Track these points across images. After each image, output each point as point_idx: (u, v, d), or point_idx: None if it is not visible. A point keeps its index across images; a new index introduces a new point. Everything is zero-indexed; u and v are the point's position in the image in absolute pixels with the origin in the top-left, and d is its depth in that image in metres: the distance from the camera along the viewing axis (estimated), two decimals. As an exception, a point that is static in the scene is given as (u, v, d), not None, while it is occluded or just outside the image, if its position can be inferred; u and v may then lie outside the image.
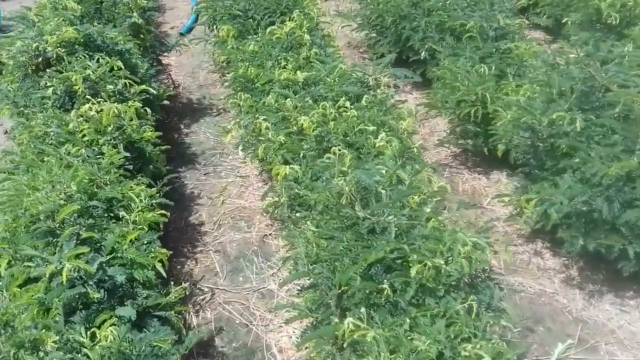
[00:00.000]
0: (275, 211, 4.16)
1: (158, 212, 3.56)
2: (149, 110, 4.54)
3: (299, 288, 3.36)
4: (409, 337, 2.77)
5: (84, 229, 3.08)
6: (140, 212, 3.39)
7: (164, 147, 4.32)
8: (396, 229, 2.92)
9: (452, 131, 5.47)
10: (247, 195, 4.94)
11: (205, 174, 5.23)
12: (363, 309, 2.81)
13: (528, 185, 4.33)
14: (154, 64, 5.97)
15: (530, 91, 4.55)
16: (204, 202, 4.88)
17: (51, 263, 2.84)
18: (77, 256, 2.88)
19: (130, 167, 3.91)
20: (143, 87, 4.56)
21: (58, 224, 3.05)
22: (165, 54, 6.31)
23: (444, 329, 2.82)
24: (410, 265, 2.92)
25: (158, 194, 3.84)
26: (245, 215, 4.71)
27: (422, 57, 6.03)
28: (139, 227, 3.30)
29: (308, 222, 3.45)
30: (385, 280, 2.93)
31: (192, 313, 3.79)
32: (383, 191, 3.19)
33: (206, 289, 4.03)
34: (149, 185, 3.89)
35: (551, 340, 3.65)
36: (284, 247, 4.28)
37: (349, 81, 4.52)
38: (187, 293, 3.70)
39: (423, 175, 3.68)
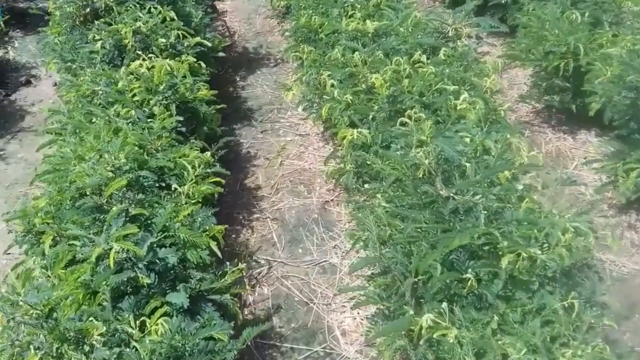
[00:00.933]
0: (340, 179, 3.79)
1: (213, 181, 3.24)
2: (203, 64, 4.17)
3: (367, 267, 3.02)
4: (497, 340, 2.39)
5: (133, 205, 2.77)
6: (194, 184, 3.06)
7: (219, 107, 3.96)
8: (485, 211, 2.50)
9: (535, 85, 4.94)
10: (307, 156, 4.58)
11: (262, 132, 4.88)
12: (444, 304, 2.44)
13: (625, 150, 3.82)
14: (209, 10, 5.58)
15: (632, 43, 3.98)
16: (261, 163, 4.54)
17: (98, 245, 2.55)
18: (126, 236, 2.58)
19: (183, 129, 3.57)
20: (197, 39, 4.18)
21: (106, 200, 2.76)
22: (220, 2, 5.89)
23: (538, 330, 2.43)
24: (500, 253, 2.52)
25: (213, 159, 3.52)
26: (305, 178, 4.36)
27: (503, 1, 5.46)
28: (193, 201, 2.98)
29: (379, 196, 3.07)
30: (469, 270, 2.54)
31: (248, 289, 3.49)
32: (467, 164, 2.77)
33: (263, 262, 3.72)
34: (203, 149, 3.56)
35: (649, 331, 3.24)
36: (348, 217, 3.93)
37: (425, 32, 4.04)
38: (244, 273, 3.39)
39: (512, 142, 3.23)
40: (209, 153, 3.53)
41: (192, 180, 3.10)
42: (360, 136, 3.44)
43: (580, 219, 2.52)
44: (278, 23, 6.39)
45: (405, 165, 2.82)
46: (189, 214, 2.84)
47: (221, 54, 4.76)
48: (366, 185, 3.29)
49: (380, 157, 3.37)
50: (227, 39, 4.90)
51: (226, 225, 3.14)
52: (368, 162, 3.30)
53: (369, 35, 4.01)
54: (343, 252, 3.72)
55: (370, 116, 3.55)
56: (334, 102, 3.74)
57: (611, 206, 4.03)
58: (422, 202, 2.77)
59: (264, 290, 3.55)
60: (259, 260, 3.73)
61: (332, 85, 3.78)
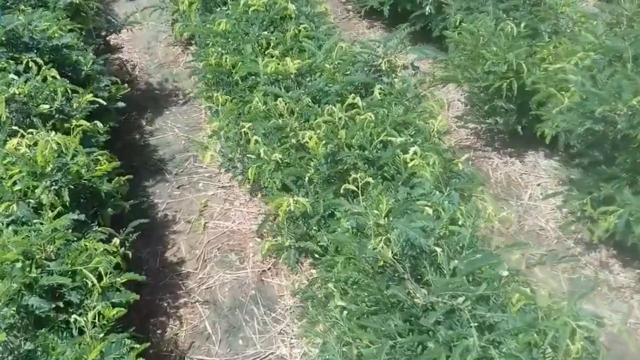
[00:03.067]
0: (281, 257, 3.23)
1: (129, 279, 2.62)
2: (99, 124, 3.51)
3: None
4: None
5: None
6: (101, 301, 2.43)
7: (124, 178, 3.31)
8: (475, 322, 2.00)
9: (473, 105, 4.52)
10: (233, 213, 3.97)
11: (178, 187, 4.24)
12: None
13: (589, 182, 3.43)
14: (101, 47, 4.87)
15: (580, 58, 3.60)
16: (182, 228, 3.90)
17: None
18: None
19: (82, 217, 2.91)
20: (89, 97, 3.50)
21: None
22: (114, 35, 5.17)
23: None
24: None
25: (123, 247, 2.91)
26: (234, 243, 3.76)
27: (426, 12, 5.02)
28: (103, 328, 2.35)
29: (331, 286, 2.53)
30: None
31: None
32: (438, 249, 2.27)
33: (198, 362, 3.13)
34: (109, 239, 2.93)
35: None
36: (290, 289, 3.38)
37: (355, 66, 3.51)
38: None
39: (476, 200, 2.77)
40: (117, 241, 2.91)
41: (98, 294, 2.47)
42: (298, 206, 2.89)
43: (586, 313, 2.07)
44: (182, 51, 5.73)
45: (365, 260, 2.29)
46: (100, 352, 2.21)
47: (121, 104, 4.09)
48: (314, 272, 2.75)
49: (326, 228, 2.86)
50: (126, 84, 4.21)
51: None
52: (310, 234, 2.76)
53: (292, 76, 3.45)
54: (291, 337, 3.17)
55: (306, 178, 3.01)
56: (260, 162, 3.17)
57: (577, 242, 3.66)
58: (390, 303, 2.25)
59: (203, 402, 2.96)
60: (193, 360, 3.13)
61: (257, 142, 3.20)
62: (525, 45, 4.02)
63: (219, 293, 3.45)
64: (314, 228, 2.91)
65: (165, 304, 3.40)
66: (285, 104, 3.28)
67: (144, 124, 4.86)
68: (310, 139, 2.91)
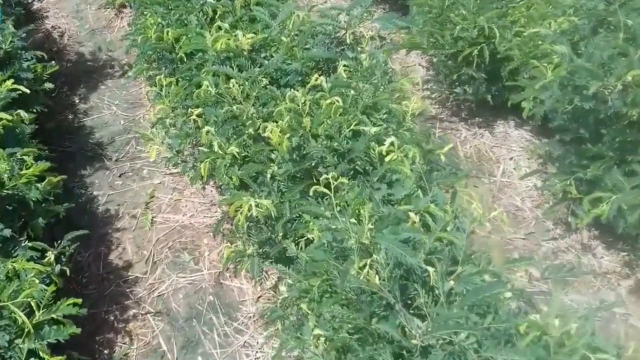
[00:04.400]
0: (242, 266, 2.87)
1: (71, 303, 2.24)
2: (24, 114, 3.04)
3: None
4: None
5: None
6: (33, 335, 2.04)
7: (57, 179, 2.86)
8: (482, 365, 1.71)
9: (438, 72, 4.18)
10: (184, 205, 3.58)
11: (120, 176, 3.80)
12: None
13: (572, 159, 3.16)
14: (22, 16, 4.30)
15: (560, 24, 3.28)
16: (126, 225, 3.49)
17: None
18: None
19: (7, 232, 2.49)
20: (8, 84, 3.01)
21: None
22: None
23: None
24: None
25: (60, 264, 2.52)
26: (187, 240, 3.38)
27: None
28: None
29: (304, 307, 2.20)
30: None
31: None
32: (431, 269, 1.95)
33: (153, 385, 2.79)
34: (42, 255, 2.52)
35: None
36: (253, 291, 3.04)
37: (316, 40, 3.11)
38: None
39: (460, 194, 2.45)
40: (52, 256, 2.51)
41: (28, 333, 2.08)
42: (261, 210, 2.52)
43: (604, 344, 1.79)
44: (116, 15, 5.18)
45: (350, 288, 1.96)
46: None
47: (49, 85, 3.59)
48: (282, 288, 2.41)
49: (294, 233, 2.52)
50: (53, 61, 3.70)
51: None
52: (275, 239, 2.41)
53: (245, 53, 3.03)
54: (257, 351, 2.84)
55: (269, 174, 2.64)
56: (214, 156, 2.78)
57: (557, 223, 3.41)
58: (377, 335, 1.94)
59: None
60: (147, 384, 2.78)
61: (208, 132, 2.80)
62: (495, 7, 3.68)
63: (173, 301, 3.08)
64: (280, 234, 2.56)
65: (112, 318, 3.02)
66: (239, 86, 2.87)
67: (77, 101, 4.36)
68: (272, 133, 2.52)
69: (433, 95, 4.24)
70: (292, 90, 2.80)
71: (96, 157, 3.91)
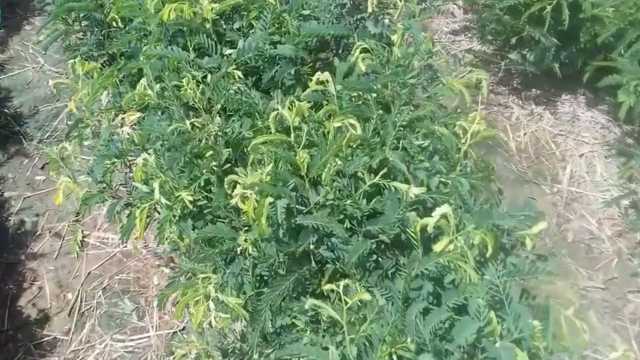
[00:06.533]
0: None
1: None
2: None
3: None
4: None
5: None
6: None
7: None
8: None
9: (483, 24, 3.09)
10: (129, 218, 2.57)
11: (44, 166, 2.77)
12: None
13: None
14: None
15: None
16: (47, 249, 2.50)
17: None
18: None
19: None
20: None
21: None
22: None
23: None
24: None
25: None
26: (130, 277, 2.41)
27: None
28: None
29: None
30: None
31: None
32: None
33: None
34: None
35: None
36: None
37: (319, 4, 1.98)
38: None
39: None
40: None
41: None
42: (225, 317, 1.53)
43: None
44: None
45: None
46: None
47: None
48: None
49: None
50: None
51: None
52: None
53: (208, 25, 1.91)
54: None
55: (239, 249, 1.62)
56: (155, 201, 1.74)
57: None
58: None
59: None
60: None
61: (146, 164, 1.75)
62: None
63: (106, 381, 2.16)
64: (254, 355, 1.58)
65: (15, 411, 2.10)
66: (197, 84, 1.79)
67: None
68: (244, 201, 1.47)
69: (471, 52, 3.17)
70: (280, 92, 1.75)
71: (11, 137, 2.87)
